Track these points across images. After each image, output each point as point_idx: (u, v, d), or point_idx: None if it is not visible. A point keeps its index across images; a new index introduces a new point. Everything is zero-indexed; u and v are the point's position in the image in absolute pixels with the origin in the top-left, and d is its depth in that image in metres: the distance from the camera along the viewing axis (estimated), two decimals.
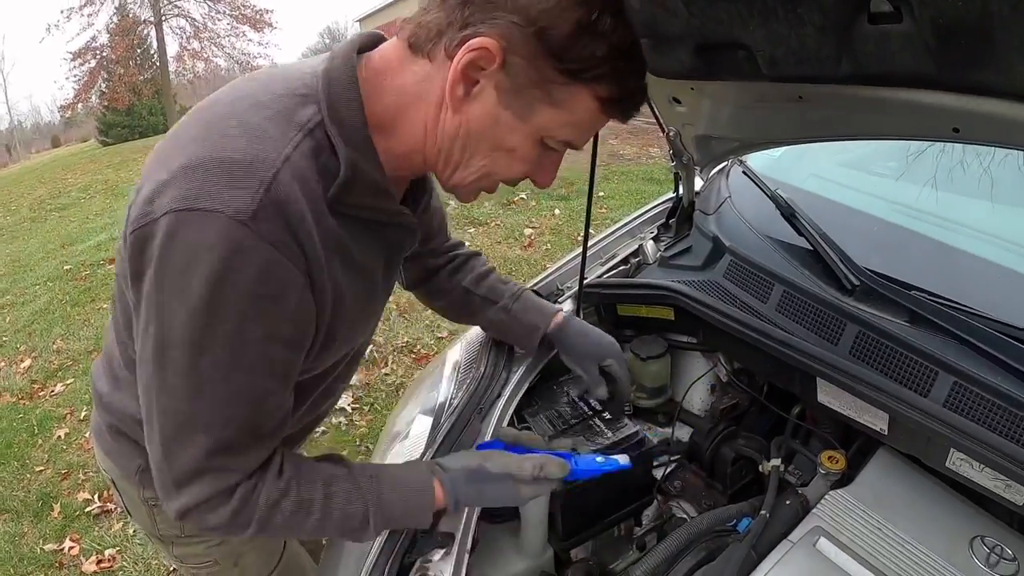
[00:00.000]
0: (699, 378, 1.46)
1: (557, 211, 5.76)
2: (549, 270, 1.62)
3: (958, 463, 0.95)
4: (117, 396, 0.95)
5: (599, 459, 0.97)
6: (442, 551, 0.97)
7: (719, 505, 1.20)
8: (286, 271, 0.67)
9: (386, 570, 0.94)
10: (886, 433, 1.03)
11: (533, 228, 5.43)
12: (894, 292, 1.14)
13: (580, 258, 1.36)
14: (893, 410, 0.98)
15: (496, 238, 5.34)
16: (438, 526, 1.02)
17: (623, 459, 0.98)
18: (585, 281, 1.41)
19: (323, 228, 0.71)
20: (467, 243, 1.33)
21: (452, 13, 0.70)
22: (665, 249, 1.64)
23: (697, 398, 1.47)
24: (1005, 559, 0.92)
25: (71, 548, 2.57)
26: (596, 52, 0.69)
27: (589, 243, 1.36)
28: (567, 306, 1.50)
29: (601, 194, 6.01)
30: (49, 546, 2.60)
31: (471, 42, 0.68)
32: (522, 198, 6.15)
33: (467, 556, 0.98)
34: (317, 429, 1.21)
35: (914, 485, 1.05)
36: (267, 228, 0.64)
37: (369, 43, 0.79)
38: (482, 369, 1.26)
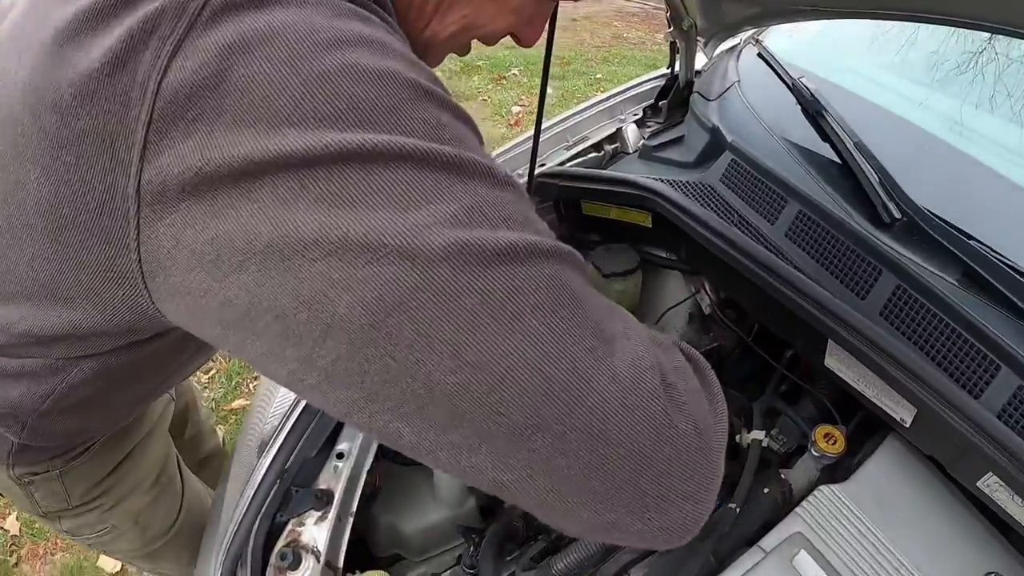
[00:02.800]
0: (676, 305, 1.21)
1: (550, 89, 5.32)
2: (499, 150, 1.32)
3: (993, 487, 0.70)
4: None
5: None
6: (317, 514, 0.83)
7: None
8: None
9: (254, 530, 0.80)
10: (907, 426, 0.76)
11: (521, 106, 5.04)
12: (947, 237, 0.84)
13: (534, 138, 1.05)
14: (925, 405, 0.70)
15: (482, 115, 4.96)
16: (317, 481, 0.89)
17: None
18: (540, 168, 1.11)
19: None
20: None
21: None
22: (650, 136, 1.33)
23: (671, 328, 1.23)
24: None
25: None
26: None
27: (556, 120, 1.04)
28: None
29: (598, 76, 5.57)
30: None
31: None
32: (514, 74, 5.70)
33: (350, 520, 0.84)
34: None
35: (927, 493, 0.80)
36: None
37: None
38: None
